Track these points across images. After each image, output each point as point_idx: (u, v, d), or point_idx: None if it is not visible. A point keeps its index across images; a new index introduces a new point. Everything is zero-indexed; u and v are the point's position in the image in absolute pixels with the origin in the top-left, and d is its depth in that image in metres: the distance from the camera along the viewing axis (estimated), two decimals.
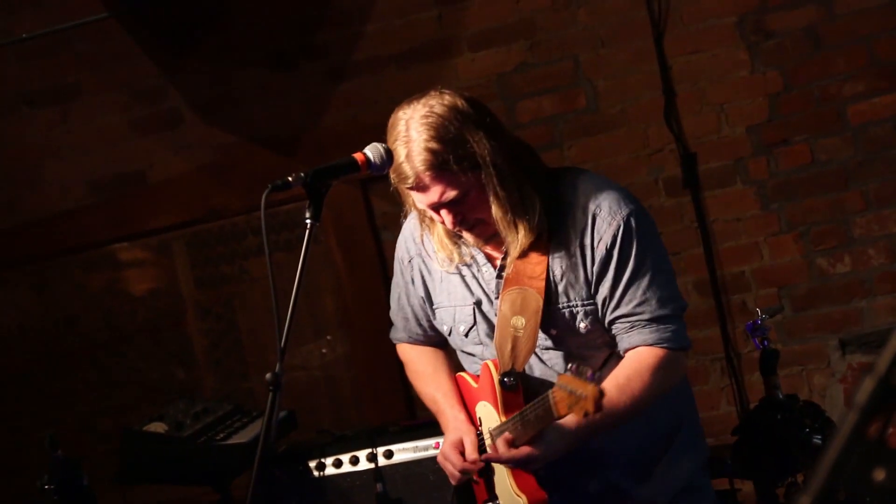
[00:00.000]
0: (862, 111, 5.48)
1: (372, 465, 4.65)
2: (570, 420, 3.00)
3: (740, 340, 5.58)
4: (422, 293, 3.45)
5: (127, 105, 6.24)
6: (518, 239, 3.12)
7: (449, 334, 3.40)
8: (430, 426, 4.52)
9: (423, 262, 3.42)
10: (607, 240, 3.11)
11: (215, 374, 6.35)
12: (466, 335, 3.33)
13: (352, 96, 5.94)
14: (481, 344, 3.30)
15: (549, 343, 3.21)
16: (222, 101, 6.14)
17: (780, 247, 5.60)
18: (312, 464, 4.72)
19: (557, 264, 3.15)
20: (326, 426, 5.25)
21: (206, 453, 4.75)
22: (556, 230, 3.16)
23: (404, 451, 4.64)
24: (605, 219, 3.12)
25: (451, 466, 3.28)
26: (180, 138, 6.19)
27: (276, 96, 6.09)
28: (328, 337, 6.22)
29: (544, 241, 3.16)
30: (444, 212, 3.12)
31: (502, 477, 3.23)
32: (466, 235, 3.20)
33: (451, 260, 3.28)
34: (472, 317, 3.30)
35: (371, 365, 5.95)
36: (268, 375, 2.83)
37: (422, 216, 3.29)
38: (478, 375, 3.34)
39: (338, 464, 4.70)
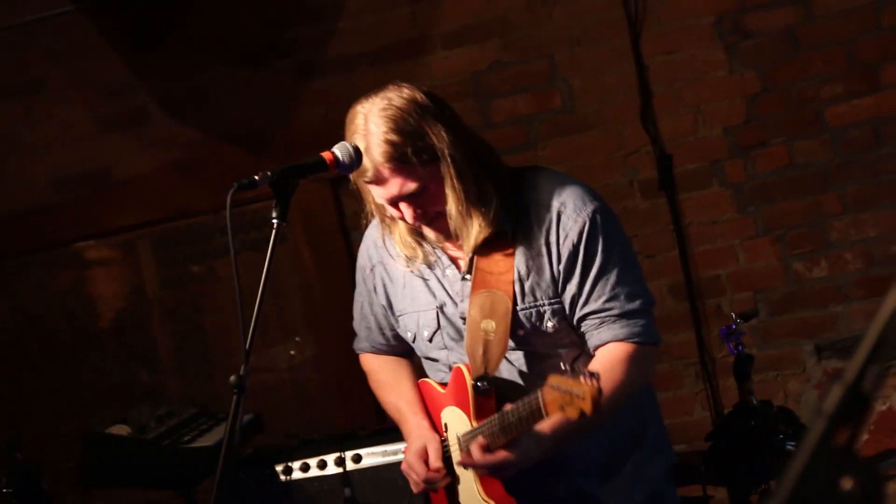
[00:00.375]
0: (840, 113, 5.50)
1: (340, 470, 4.64)
2: (544, 426, 3.03)
3: (715, 345, 5.59)
4: (384, 301, 3.47)
5: (92, 101, 6.21)
6: (473, 233, 3.14)
7: (413, 341, 3.41)
8: (398, 430, 4.51)
9: (385, 269, 3.43)
10: (573, 237, 3.13)
11: (181, 376, 6.33)
12: (430, 340, 3.34)
13: (323, 94, 5.93)
14: (446, 349, 3.31)
15: (515, 343, 3.22)
16: (190, 97, 6.12)
17: (756, 250, 5.61)
18: (279, 468, 4.71)
19: (523, 263, 3.17)
20: (294, 429, 5.23)
21: (170, 456, 4.73)
22: (520, 229, 3.18)
23: (373, 456, 4.64)
24: (571, 216, 3.14)
25: (416, 476, 3.29)
26: (147, 135, 6.17)
27: (245, 93, 6.07)
28: (296, 338, 6.21)
29: (509, 241, 3.18)
30: (403, 205, 3.14)
31: (468, 485, 3.23)
32: (427, 231, 3.22)
33: (414, 259, 3.29)
34: (435, 321, 3.31)
35: (340, 367, 5.94)
36: (232, 378, 2.83)
37: (382, 216, 3.31)
38: (443, 383, 3.35)
39: (305, 468, 4.69)
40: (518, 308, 3.18)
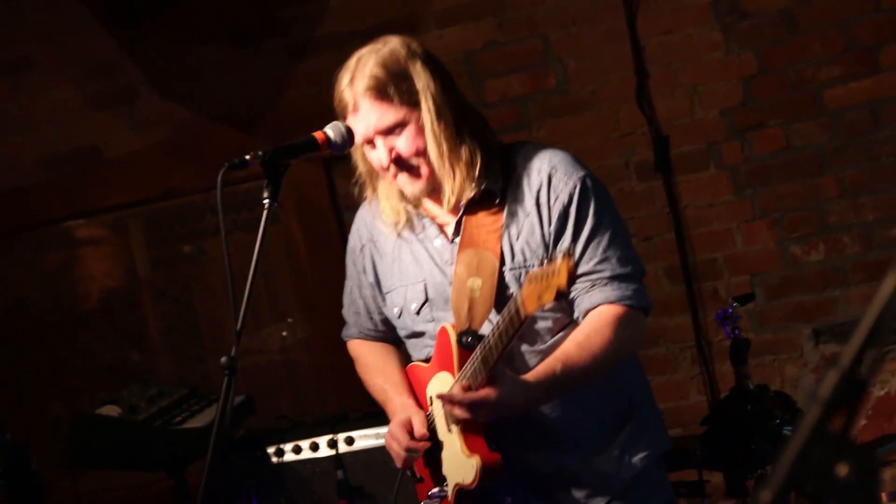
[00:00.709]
0: (838, 96, 5.50)
1: (332, 452, 4.65)
2: (528, 375, 3.08)
3: (711, 329, 5.60)
4: (372, 279, 3.48)
5: (81, 79, 6.20)
6: (455, 186, 3.17)
7: (399, 316, 3.40)
8: None
9: (375, 245, 3.46)
10: (564, 198, 3.15)
11: (171, 357, 6.33)
12: (418, 312, 3.34)
13: (314, 74, 5.91)
14: (433, 321, 3.31)
15: (502, 305, 3.17)
16: (180, 76, 6.11)
17: (753, 233, 5.62)
18: (271, 450, 4.72)
19: (513, 225, 3.18)
20: (285, 411, 5.25)
21: (160, 438, 4.74)
22: (509, 191, 3.20)
23: (366, 438, 4.65)
24: (562, 178, 3.17)
25: (397, 445, 3.29)
26: (137, 114, 6.16)
27: (236, 72, 6.06)
28: (288, 320, 6.21)
29: (497, 203, 3.20)
30: (379, 145, 3.18)
31: (452, 448, 3.21)
32: (403, 183, 3.22)
33: (400, 220, 3.32)
34: (423, 293, 3.32)
35: (332, 349, 5.90)
36: (223, 359, 2.83)
37: (372, 178, 3.35)
38: (428, 359, 3.35)
39: (297, 450, 4.70)
40: (507, 268, 3.18)
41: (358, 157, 3.32)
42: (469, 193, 3.19)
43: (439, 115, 3.15)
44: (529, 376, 3.09)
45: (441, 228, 3.31)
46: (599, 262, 3.14)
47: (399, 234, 3.37)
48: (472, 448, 3.14)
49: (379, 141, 3.19)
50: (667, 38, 5.65)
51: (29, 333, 6.36)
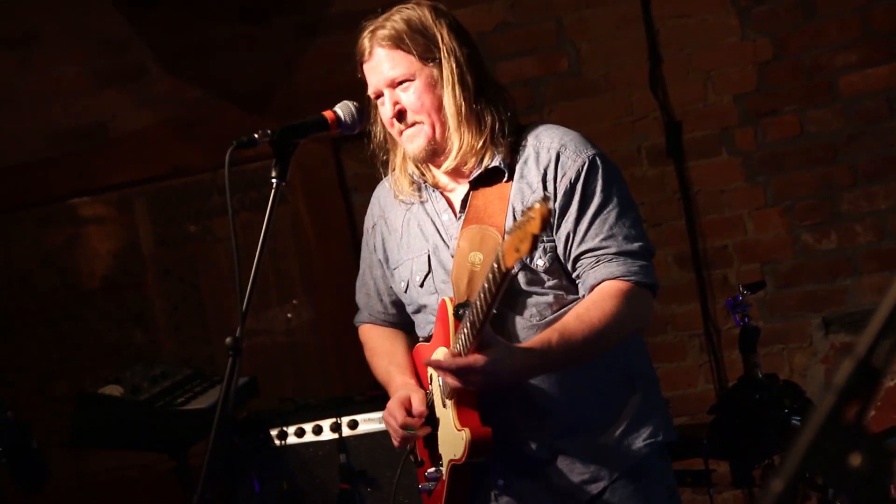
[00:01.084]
0: (854, 83, 5.49)
1: (336, 436, 4.66)
2: (522, 344, 3.06)
3: (720, 316, 5.59)
4: (381, 257, 3.49)
5: (89, 54, 6.19)
6: (459, 152, 3.18)
7: (406, 290, 3.39)
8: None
9: (385, 222, 3.46)
10: (571, 175, 3.14)
11: (175, 337, 6.33)
12: (422, 284, 3.33)
13: (325, 52, 5.90)
14: (436, 293, 3.29)
15: None
16: (190, 53, 6.10)
17: (764, 221, 5.61)
18: (274, 432, 4.72)
19: (518, 201, 3.17)
20: (289, 394, 5.25)
21: (163, 418, 4.75)
22: (518, 170, 3.20)
23: (369, 422, 4.65)
24: (571, 156, 3.16)
25: (394, 422, 3.27)
26: (145, 91, 6.15)
27: (246, 50, 6.05)
28: (294, 302, 6.21)
29: (506, 181, 3.20)
30: (386, 96, 3.20)
31: (446, 422, 3.18)
32: (405, 140, 3.23)
33: (413, 192, 3.32)
34: (426, 264, 3.31)
35: (337, 331, 5.94)
36: (228, 340, 2.83)
37: (386, 145, 3.36)
38: (431, 336, 3.33)
39: (300, 433, 4.71)
40: None
41: (377, 129, 3.33)
42: (474, 164, 3.20)
43: (461, 79, 3.16)
44: (523, 345, 3.07)
45: (449, 203, 3.30)
46: (605, 239, 3.11)
47: (409, 209, 3.37)
48: (463, 421, 3.11)
49: (387, 93, 3.20)
50: (681, 22, 5.64)
51: (33, 311, 6.36)
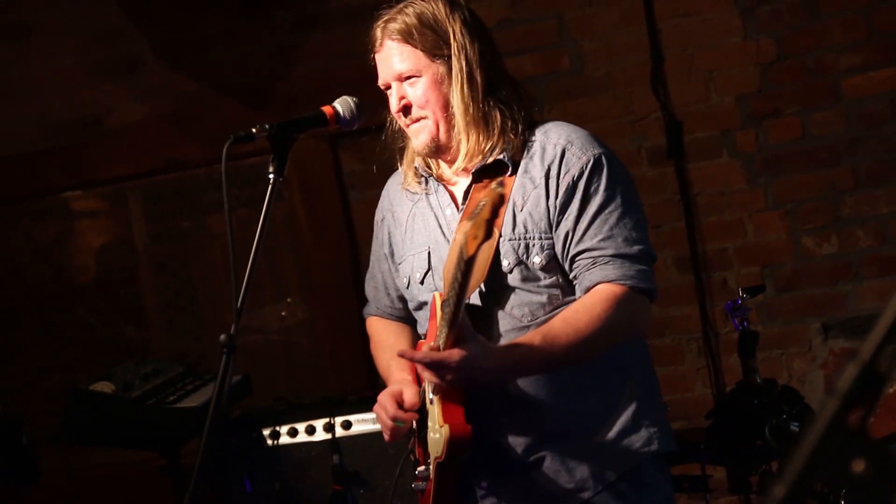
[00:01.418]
0: (857, 85, 5.48)
1: (329, 436, 4.65)
2: (503, 343, 3.03)
3: (719, 320, 5.59)
4: (387, 250, 3.47)
5: (85, 46, 6.19)
6: (468, 150, 3.16)
7: (408, 286, 3.38)
8: None
9: (393, 216, 3.44)
10: (574, 172, 3.10)
11: (168, 333, 6.33)
12: (422, 282, 3.30)
13: (324, 47, 5.90)
14: (436, 289, 3.26)
15: (496, 276, 3.14)
16: (187, 46, 6.10)
17: (765, 224, 5.61)
18: (266, 432, 4.72)
19: (520, 195, 3.14)
20: (283, 393, 5.24)
21: (154, 416, 4.74)
22: (523, 164, 3.17)
23: (363, 423, 4.65)
24: (576, 153, 3.13)
25: (385, 414, 3.22)
26: (141, 83, 6.15)
27: (244, 44, 6.05)
28: (288, 300, 6.20)
29: (510, 175, 3.17)
30: (393, 89, 3.19)
31: (432, 422, 3.12)
32: (412, 134, 3.22)
33: (418, 176, 3.31)
34: (426, 261, 3.29)
35: (332, 331, 5.94)
36: (222, 337, 2.83)
37: (396, 138, 3.34)
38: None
39: (293, 433, 4.70)
40: (505, 238, 3.13)
41: (392, 117, 3.31)
42: (480, 160, 3.17)
43: (469, 77, 3.14)
44: (504, 344, 3.03)
45: (452, 198, 3.28)
46: (603, 240, 3.06)
47: (415, 203, 3.35)
48: (446, 418, 3.04)
49: (394, 86, 3.19)
50: (684, 21, 5.64)
51: (24, 305, 6.36)
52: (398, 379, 3.32)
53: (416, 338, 3.50)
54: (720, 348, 5.62)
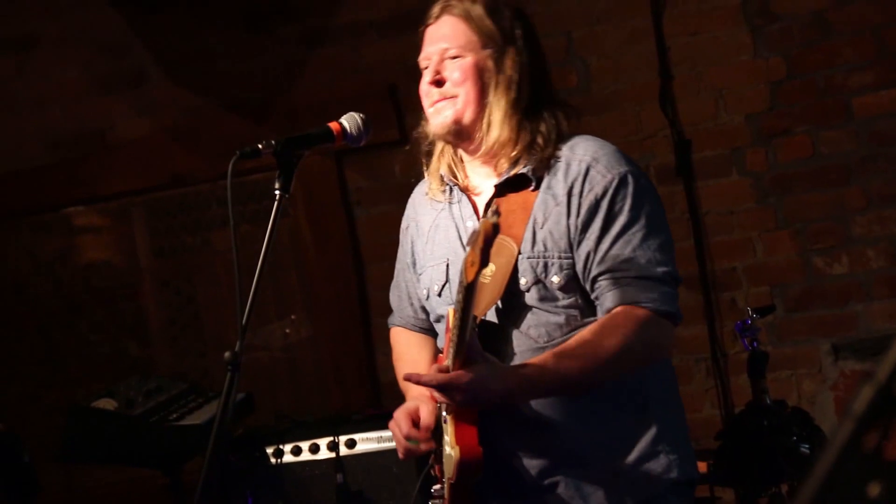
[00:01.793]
0: (868, 104, 5.48)
1: (333, 455, 4.65)
2: (515, 364, 2.97)
3: (728, 340, 5.58)
4: (409, 260, 3.44)
5: (89, 59, 6.20)
6: (490, 141, 3.12)
7: (427, 298, 3.34)
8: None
9: (417, 225, 3.41)
10: (598, 191, 3.04)
11: (171, 350, 6.33)
12: (440, 294, 3.26)
13: (330, 62, 5.91)
14: (452, 303, 3.15)
15: (513, 295, 3.09)
16: (191, 60, 6.11)
17: (774, 243, 5.60)
18: (269, 450, 4.71)
19: (541, 212, 3.09)
20: (286, 411, 5.24)
21: (157, 434, 4.73)
22: (546, 179, 3.11)
23: (367, 442, 4.64)
24: (601, 171, 3.06)
25: (398, 431, 3.17)
26: (145, 98, 6.16)
27: (249, 58, 6.06)
28: (292, 317, 6.20)
29: (531, 189, 3.12)
30: (432, 64, 3.16)
31: (445, 444, 3.08)
32: (434, 112, 3.17)
33: (442, 184, 3.27)
34: (444, 274, 3.25)
35: (336, 348, 5.94)
36: (226, 354, 2.82)
37: (427, 150, 3.31)
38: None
39: (296, 451, 4.70)
40: (523, 255, 3.07)
41: (423, 132, 3.27)
42: (505, 168, 3.13)
43: (517, 80, 3.13)
44: (516, 365, 2.97)
45: (475, 208, 3.23)
46: (626, 261, 2.99)
47: (438, 213, 3.31)
48: (458, 439, 2.98)
49: (434, 59, 3.16)
50: (693, 39, 5.64)
51: (26, 320, 6.36)
52: (415, 395, 3.26)
53: (437, 351, 3.45)
54: (729, 369, 5.61)
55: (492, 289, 3.04)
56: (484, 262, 2.55)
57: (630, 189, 3.04)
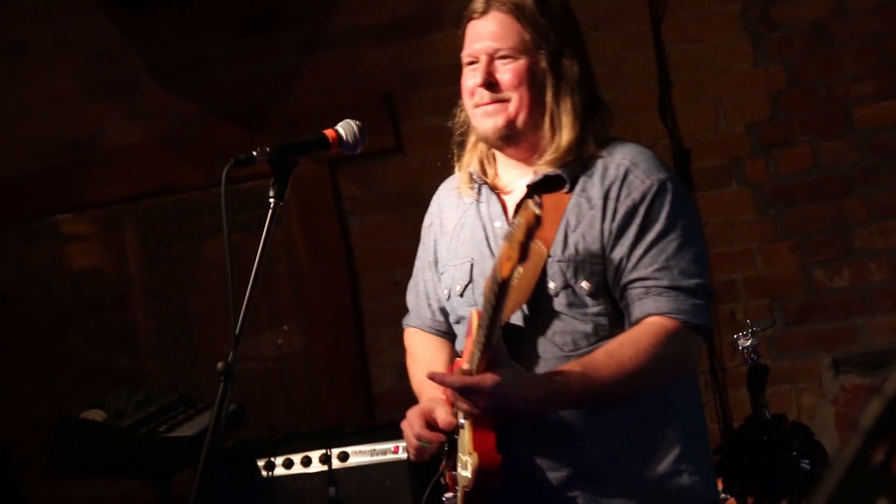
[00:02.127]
0: (869, 114, 5.48)
1: (325, 468, 4.64)
2: (540, 372, 2.93)
3: (727, 353, 5.57)
4: (431, 258, 3.38)
5: (80, 65, 6.19)
6: (560, 146, 3.05)
7: (448, 298, 3.29)
8: (389, 428, 4.51)
9: (441, 223, 3.35)
10: (636, 196, 2.99)
11: (161, 360, 6.32)
12: (461, 294, 3.21)
13: (325, 69, 5.90)
14: (475, 305, 3.14)
15: (541, 299, 3.03)
16: (184, 66, 6.10)
17: (774, 255, 5.60)
18: (261, 463, 4.70)
19: (574, 215, 3.04)
20: (278, 423, 5.24)
21: (146, 445, 4.73)
22: (581, 182, 3.06)
23: (360, 454, 4.63)
24: (639, 176, 3.01)
25: (410, 431, 3.11)
26: (137, 104, 6.15)
27: (243, 65, 6.06)
28: (285, 327, 6.19)
29: (567, 192, 3.06)
30: (482, 63, 3.08)
31: (464, 441, 3.03)
32: (483, 116, 3.10)
33: (471, 181, 3.22)
34: (468, 273, 3.19)
35: (329, 360, 5.93)
36: (219, 364, 2.80)
37: (460, 143, 3.26)
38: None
39: (288, 464, 4.69)
40: (553, 258, 3.02)
41: (458, 122, 3.24)
42: (543, 167, 3.07)
43: (580, 81, 3.06)
44: (543, 374, 2.92)
45: (504, 208, 3.18)
46: (659, 270, 2.94)
47: (465, 211, 3.26)
48: (476, 445, 2.93)
49: (483, 59, 3.08)
50: (693, 47, 5.64)
51: (14, 330, 6.35)
52: (430, 397, 3.20)
53: (454, 355, 3.39)
54: (728, 382, 5.60)
55: (518, 292, 2.95)
56: (523, 256, 2.50)
57: (669, 197, 3.00)
